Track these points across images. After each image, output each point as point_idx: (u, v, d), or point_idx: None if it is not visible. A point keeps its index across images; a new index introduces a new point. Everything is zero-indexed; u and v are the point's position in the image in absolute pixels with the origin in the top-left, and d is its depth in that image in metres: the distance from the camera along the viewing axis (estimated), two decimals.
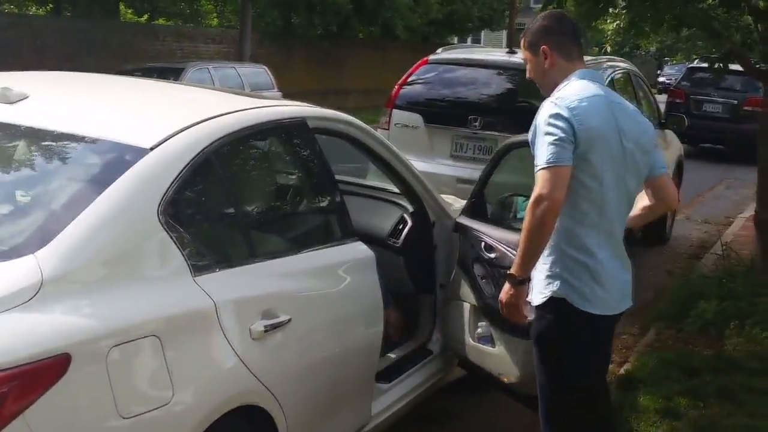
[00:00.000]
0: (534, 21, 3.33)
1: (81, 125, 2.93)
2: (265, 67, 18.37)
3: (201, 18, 31.27)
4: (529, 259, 3.02)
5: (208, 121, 3.02)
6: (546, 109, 3.03)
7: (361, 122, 3.91)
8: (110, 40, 21.57)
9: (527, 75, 3.31)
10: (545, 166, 2.92)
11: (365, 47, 31.07)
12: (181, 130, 2.90)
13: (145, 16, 30.30)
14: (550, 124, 2.97)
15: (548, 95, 3.14)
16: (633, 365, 5.31)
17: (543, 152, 2.94)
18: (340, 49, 28.62)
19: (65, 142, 2.86)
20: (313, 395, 3.20)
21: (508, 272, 3.10)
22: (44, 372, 2.19)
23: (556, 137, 2.93)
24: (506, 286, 3.11)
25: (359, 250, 3.61)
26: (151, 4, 28.24)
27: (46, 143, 2.87)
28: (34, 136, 2.89)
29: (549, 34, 3.21)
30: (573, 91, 3.07)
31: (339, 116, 3.82)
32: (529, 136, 3.09)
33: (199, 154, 2.87)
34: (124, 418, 2.37)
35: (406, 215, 4.36)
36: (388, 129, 7.51)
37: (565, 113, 2.97)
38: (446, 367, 4.32)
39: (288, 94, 18.99)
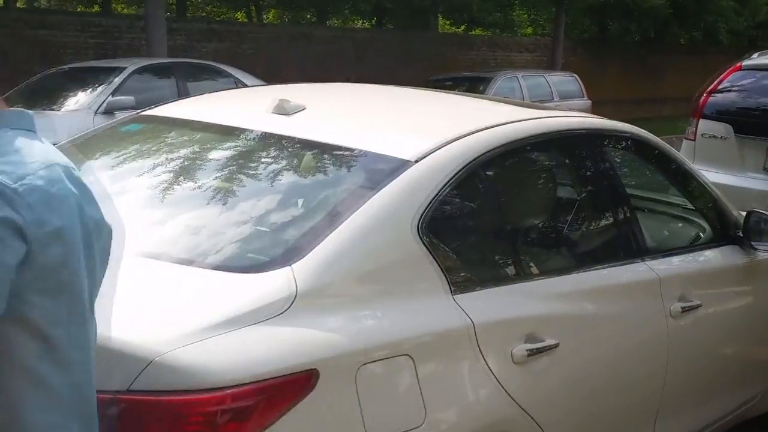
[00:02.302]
0: None
1: (348, 137, 2.94)
2: (575, 75, 18.09)
3: (516, 27, 31.43)
4: None
5: (477, 133, 2.92)
6: None
7: (652, 135, 3.66)
8: (426, 51, 22.24)
9: None
10: None
11: (684, 53, 29.68)
12: (449, 142, 2.82)
13: (462, 27, 30.95)
14: None
15: None
16: None
17: None
18: (656, 56, 27.59)
19: (330, 155, 2.88)
20: (582, 428, 3.00)
21: None
22: (291, 387, 2.17)
23: None
24: None
25: (644, 271, 3.35)
26: (468, 15, 28.78)
27: (313, 156, 2.91)
28: (302, 147, 2.94)
29: None
30: None
31: (627, 128, 3.60)
32: None
33: (464, 167, 2.77)
34: None
35: (702, 234, 4.02)
36: (693, 140, 7.04)
37: None
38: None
39: (599, 103, 18.64)
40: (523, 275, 2.92)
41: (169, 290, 2.35)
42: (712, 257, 3.78)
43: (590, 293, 3.10)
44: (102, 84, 10.56)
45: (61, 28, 16.32)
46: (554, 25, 24.07)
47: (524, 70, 18.32)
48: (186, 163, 3.00)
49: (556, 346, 2.82)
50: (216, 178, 2.86)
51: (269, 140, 3.01)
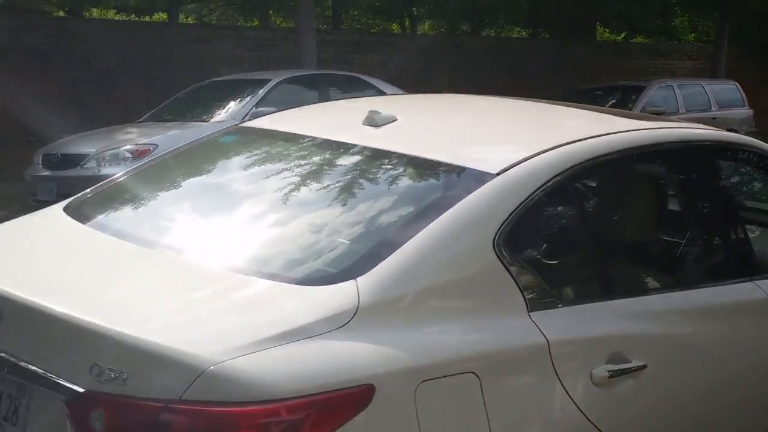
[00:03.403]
0: None
1: (433, 149, 2.90)
2: (736, 83, 17.30)
3: (678, 34, 30.41)
4: None
5: (565, 146, 2.82)
6: None
7: (766, 145, 3.46)
8: (582, 60, 21.86)
9: None
10: None
11: None
12: (534, 156, 2.73)
13: (623, 35, 30.20)
14: None
15: None
16: None
17: None
18: None
19: (411, 167, 2.84)
20: None
21: None
22: (346, 402, 2.13)
23: None
24: None
25: (752, 291, 3.14)
26: (627, 22, 28.06)
27: (393, 167, 2.88)
28: (384, 159, 2.91)
29: None
30: None
31: (742, 140, 3.42)
32: None
33: (549, 181, 2.68)
34: None
35: None
36: None
37: None
38: None
39: (762, 111, 17.79)
40: (609, 293, 2.80)
41: (230, 300, 2.37)
42: None
43: (688, 314, 2.93)
44: (249, 96, 10.89)
45: (218, 42, 16.95)
46: (717, 32, 23.15)
47: (680, 79, 17.69)
48: (266, 173, 3.03)
49: (643, 368, 2.68)
50: (294, 188, 2.87)
51: (351, 151, 3.00)
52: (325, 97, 10.96)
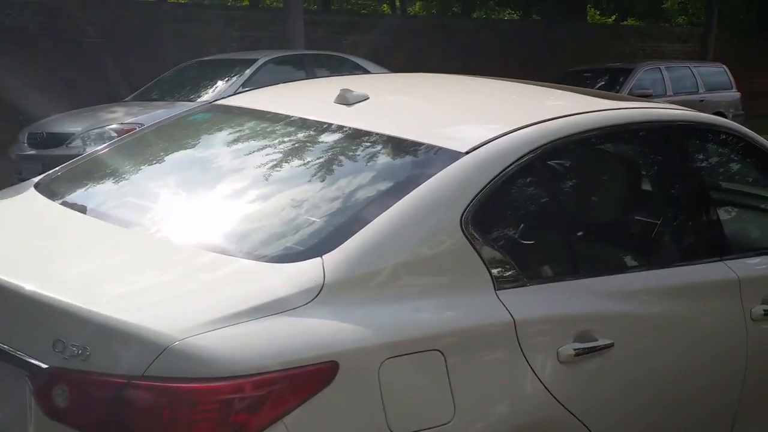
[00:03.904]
0: None
1: (402, 129, 2.89)
2: (724, 66, 17.30)
3: (668, 17, 30.39)
4: None
5: (537, 125, 2.82)
6: None
7: (745, 128, 3.47)
8: (572, 43, 21.83)
9: None
10: None
11: None
12: (505, 134, 2.73)
13: (614, 17, 30.18)
14: None
15: None
16: None
17: None
18: None
19: (380, 146, 2.84)
20: None
21: None
22: (308, 379, 2.14)
23: None
24: None
25: (721, 271, 3.15)
26: (618, 5, 28.04)
27: (363, 146, 2.87)
28: (355, 137, 2.91)
29: None
30: None
31: (719, 122, 3.44)
32: None
33: (519, 160, 2.68)
34: None
35: None
36: None
37: None
38: None
39: (751, 94, 17.83)
40: (578, 272, 2.80)
41: (196, 277, 2.37)
42: None
43: (657, 293, 2.94)
44: (236, 75, 10.87)
45: (207, 22, 16.87)
46: (707, 14, 23.12)
47: (668, 62, 17.66)
48: (237, 152, 3.04)
49: (610, 346, 2.69)
50: (265, 167, 2.87)
51: (321, 129, 3.00)
52: (312, 78, 10.93)
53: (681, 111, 3.46)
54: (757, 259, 3.38)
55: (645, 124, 3.23)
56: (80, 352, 2.09)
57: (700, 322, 3.04)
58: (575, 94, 3.68)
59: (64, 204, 2.91)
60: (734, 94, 16.59)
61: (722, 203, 3.72)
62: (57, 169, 3.27)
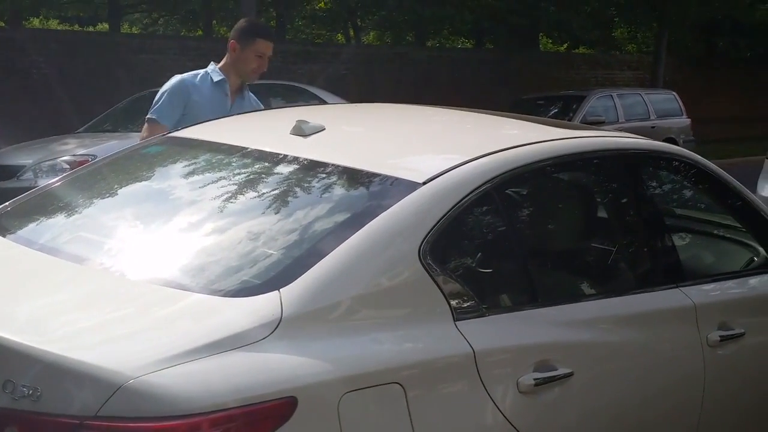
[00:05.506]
0: None
1: (359, 159, 2.88)
2: (674, 93, 17.58)
3: (620, 45, 30.86)
4: None
5: (493, 155, 2.82)
6: None
7: (698, 156, 3.50)
8: (525, 71, 22.07)
9: None
10: None
11: None
12: (462, 164, 2.73)
13: (565, 45, 30.58)
14: None
15: None
16: None
17: None
18: None
19: (337, 177, 2.82)
20: None
21: None
22: (267, 415, 2.10)
23: None
24: None
25: (677, 297, 3.17)
26: (569, 34, 28.40)
27: (320, 177, 2.86)
28: (312, 169, 2.89)
29: None
30: None
31: (669, 149, 3.49)
32: None
33: (476, 190, 2.68)
34: None
35: (756, 259, 3.80)
36: None
37: None
38: None
39: (705, 121, 18.10)
40: (535, 302, 2.80)
41: (151, 314, 2.33)
42: (762, 283, 3.56)
43: (614, 321, 2.95)
44: None
45: (161, 52, 16.78)
46: (656, 42, 23.51)
47: (620, 89, 17.90)
48: (191, 185, 2.99)
49: (569, 375, 2.69)
50: (220, 200, 2.84)
51: (278, 160, 2.98)
52: (267, 108, 10.89)
53: (633, 139, 3.50)
54: (712, 285, 3.41)
55: (599, 153, 3.25)
56: (30, 392, 2.04)
57: (658, 349, 3.05)
58: (530, 123, 3.70)
59: (15, 239, 2.85)
60: (685, 120, 16.84)
61: (677, 230, 3.76)
62: (7, 204, 3.21)
